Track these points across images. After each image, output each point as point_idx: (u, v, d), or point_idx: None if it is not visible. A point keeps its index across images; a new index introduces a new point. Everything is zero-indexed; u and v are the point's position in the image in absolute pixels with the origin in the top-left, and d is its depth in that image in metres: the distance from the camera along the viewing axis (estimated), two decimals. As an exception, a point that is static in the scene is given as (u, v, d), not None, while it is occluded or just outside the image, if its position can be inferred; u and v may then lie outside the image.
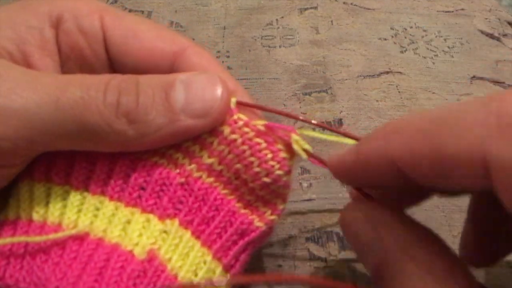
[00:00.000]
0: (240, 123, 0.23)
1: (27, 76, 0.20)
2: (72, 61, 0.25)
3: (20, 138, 0.20)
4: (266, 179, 0.23)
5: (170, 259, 0.21)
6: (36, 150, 0.21)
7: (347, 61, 0.43)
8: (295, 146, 0.23)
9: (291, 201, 0.32)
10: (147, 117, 0.21)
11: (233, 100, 0.23)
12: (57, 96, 0.20)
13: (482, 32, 0.47)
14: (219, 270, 0.23)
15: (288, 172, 0.23)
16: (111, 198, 0.22)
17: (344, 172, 0.22)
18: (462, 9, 0.49)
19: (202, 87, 0.22)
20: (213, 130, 0.23)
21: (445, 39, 0.45)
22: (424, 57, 0.43)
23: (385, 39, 0.45)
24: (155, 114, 0.21)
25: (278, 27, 0.46)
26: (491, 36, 0.46)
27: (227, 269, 0.23)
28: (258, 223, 0.24)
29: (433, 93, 0.40)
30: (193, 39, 0.44)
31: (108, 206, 0.22)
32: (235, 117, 0.23)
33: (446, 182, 0.17)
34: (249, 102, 0.24)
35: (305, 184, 0.33)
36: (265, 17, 0.47)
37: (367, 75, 0.41)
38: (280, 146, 0.23)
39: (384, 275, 0.19)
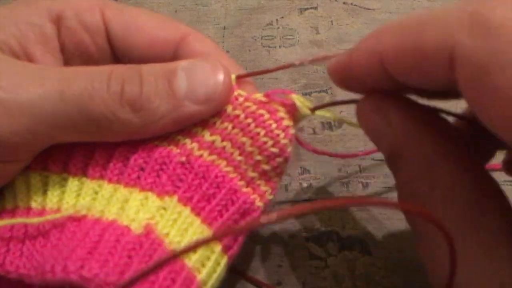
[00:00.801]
0: (241, 99, 0.23)
1: (31, 70, 0.21)
2: (77, 57, 0.25)
3: (27, 132, 0.20)
4: (273, 149, 0.23)
5: (167, 234, 0.21)
6: (43, 144, 0.21)
7: (347, 61, 0.43)
8: (298, 103, 0.23)
9: (291, 201, 0.32)
10: (151, 105, 0.21)
11: (233, 76, 0.24)
12: (62, 88, 0.20)
13: (482, 32, 0.47)
14: (218, 249, 0.23)
15: (292, 140, 0.24)
16: (110, 181, 0.22)
17: (339, 74, 0.23)
18: (462, 9, 0.49)
19: (204, 74, 0.22)
20: None
21: (445, 39, 0.45)
22: (424, 57, 0.43)
23: (385, 39, 0.45)
24: (159, 101, 0.21)
25: (278, 27, 0.46)
26: (491, 36, 0.46)
27: (225, 249, 0.23)
28: (259, 203, 0.24)
29: (433, 93, 0.40)
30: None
31: (107, 188, 0.22)
32: (236, 93, 0.23)
33: (420, 76, 0.18)
34: (247, 72, 0.25)
35: (305, 184, 0.33)
36: (265, 17, 0.47)
37: (367, 75, 0.41)
38: (282, 114, 0.23)
39: (396, 158, 0.20)
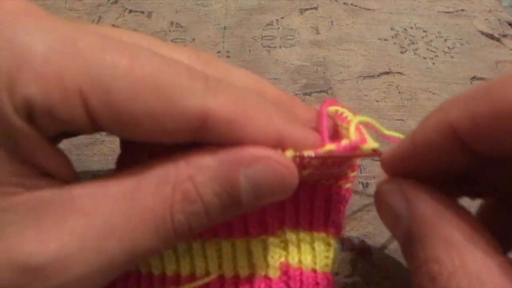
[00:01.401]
0: (307, 159, 0.21)
1: (93, 249, 0.18)
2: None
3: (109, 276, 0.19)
4: (348, 171, 0.23)
5: (300, 261, 0.22)
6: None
7: (347, 62, 0.43)
8: (365, 148, 0.22)
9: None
10: (217, 222, 0.20)
11: (290, 154, 0.21)
12: (131, 259, 0.18)
13: (482, 32, 0.47)
14: (337, 242, 0.24)
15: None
16: (224, 237, 0.23)
17: (399, 164, 0.21)
18: (462, 10, 0.49)
19: (271, 185, 0.19)
20: None
21: (445, 40, 0.46)
22: (424, 58, 0.43)
23: (385, 40, 0.45)
24: (224, 218, 0.20)
25: (278, 28, 0.46)
26: (491, 36, 0.46)
27: (337, 235, 0.24)
28: (346, 185, 0.24)
29: (433, 93, 0.40)
30: (193, 40, 0.44)
31: (225, 245, 0.23)
32: (297, 159, 0.21)
33: (506, 140, 0.17)
34: (306, 155, 0.21)
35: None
36: (265, 18, 0.47)
37: (367, 76, 0.41)
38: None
39: (411, 241, 0.20)
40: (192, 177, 0.19)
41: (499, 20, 0.48)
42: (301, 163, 0.21)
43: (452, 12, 0.49)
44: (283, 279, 0.22)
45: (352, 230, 0.31)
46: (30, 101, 0.16)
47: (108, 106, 0.17)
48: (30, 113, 0.17)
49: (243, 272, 0.22)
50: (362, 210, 0.32)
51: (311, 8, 0.48)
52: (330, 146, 0.21)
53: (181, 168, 0.19)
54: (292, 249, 0.23)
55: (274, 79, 0.41)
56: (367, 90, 0.40)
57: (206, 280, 0.22)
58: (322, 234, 0.23)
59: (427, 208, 0.19)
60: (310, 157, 0.21)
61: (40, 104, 0.16)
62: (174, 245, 0.23)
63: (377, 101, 0.39)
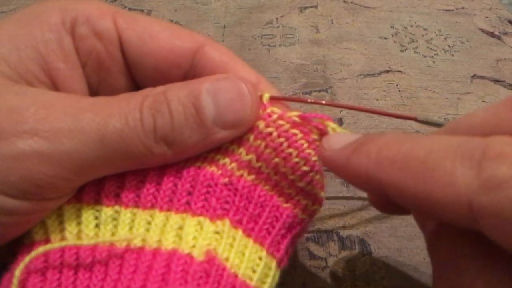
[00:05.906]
0: (274, 116, 0.23)
1: (70, 114, 0.20)
2: (89, 66, 0.24)
3: (73, 175, 0.20)
4: (305, 168, 0.23)
5: (227, 258, 0.21)
6: (85, 181, 0.22)
7: (347, 60, 0.43)
8: (331, 131, 0.23)
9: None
10: (182, 136, 0.21)
11: (266, 96, 0.23)
12: (102, 133, 0.20)
13: (482, 30, 0.46)
14: (273, 265, 0.23)
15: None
16: (161, 209, 0.22)
17: (335, 169, 0.22)
18: (463, 8, 0.49)
19: (230, 98, 0.22)
20: None
21: (445, 38, 0.45)
22: (425, 56, 0.43)
23: (385, 38, 0.45)
24: (189, 132, 0.21)
25: (278, 26, 0.46)
26: (491, 34, 0.46)
27: (279, 263, 0.24)
28: (302, 215, 0.24)
29: (434, 92, 0.40)
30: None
31: (159, 217, 0.22)
32: (268, 110, 0.23)
33: (430, 217, 0.19)
34: (281, 96, 0.24)
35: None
36: (265, 16, 0.47)
37: (367, 74, 0.41)
38: (315, 137, 0.23)
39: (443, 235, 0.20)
40: (164, 92, 0.22)
41: (499, 18, 0.48)
42: (269, 116, 0.23)
43: (453, 10, 0.49)
44: (204, 265, 0.20)
45: (352, 230, 0.31)
46: (74, 12, 0.23)
47: (130, 22, 0.24)
48: (73, 23, 0.23)
49: (167, 244, 0.21)
50: (362, 210, 0.32)
51: (311, 7, 0.48)
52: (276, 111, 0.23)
53: (157, 88, 0.22)
54: (225, 243, 0.22)
55: (274, 78, 0.41)
56: (367, 89, 0.40)
57: (127, 238, 0.21)
58: (257, 246, 0.23)
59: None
60: (282, 99, 0.24)
61: (83, 15, 0.23)
62: (97, 211, 0.22)
63: (377, 99, 0.39)
